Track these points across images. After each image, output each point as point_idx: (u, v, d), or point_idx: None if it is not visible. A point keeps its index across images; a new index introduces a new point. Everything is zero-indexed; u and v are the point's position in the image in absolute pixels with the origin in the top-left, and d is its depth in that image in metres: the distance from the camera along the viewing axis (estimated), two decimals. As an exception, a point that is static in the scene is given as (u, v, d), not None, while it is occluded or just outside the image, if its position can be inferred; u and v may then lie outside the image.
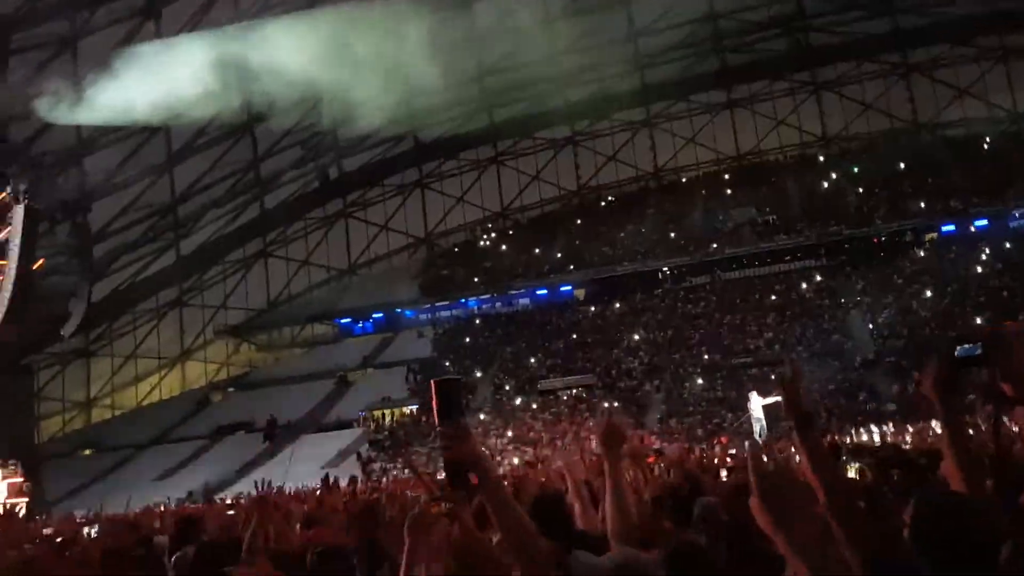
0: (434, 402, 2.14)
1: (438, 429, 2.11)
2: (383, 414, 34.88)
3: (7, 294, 28.54)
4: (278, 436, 33.91)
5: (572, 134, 48.63)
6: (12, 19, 33.66)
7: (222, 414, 37.11)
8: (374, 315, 44.68)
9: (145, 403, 39.50)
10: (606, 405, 31.99)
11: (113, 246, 38.95)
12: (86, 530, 9.59)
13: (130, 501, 23.08)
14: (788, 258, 38.93)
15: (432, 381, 2.12)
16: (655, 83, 44.98)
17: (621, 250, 42.14)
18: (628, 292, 39.77)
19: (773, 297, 36.98)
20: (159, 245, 40.62)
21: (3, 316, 28.59)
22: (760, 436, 21.05)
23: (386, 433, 33.02)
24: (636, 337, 36.72)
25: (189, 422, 37.10)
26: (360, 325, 44.77)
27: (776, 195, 42.62)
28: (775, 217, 41.22)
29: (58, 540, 7.13)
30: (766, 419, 21.73)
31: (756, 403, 22.52)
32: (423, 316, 43.97)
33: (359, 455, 30.51)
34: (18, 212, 29.08)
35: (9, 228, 29.15)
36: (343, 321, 45.21)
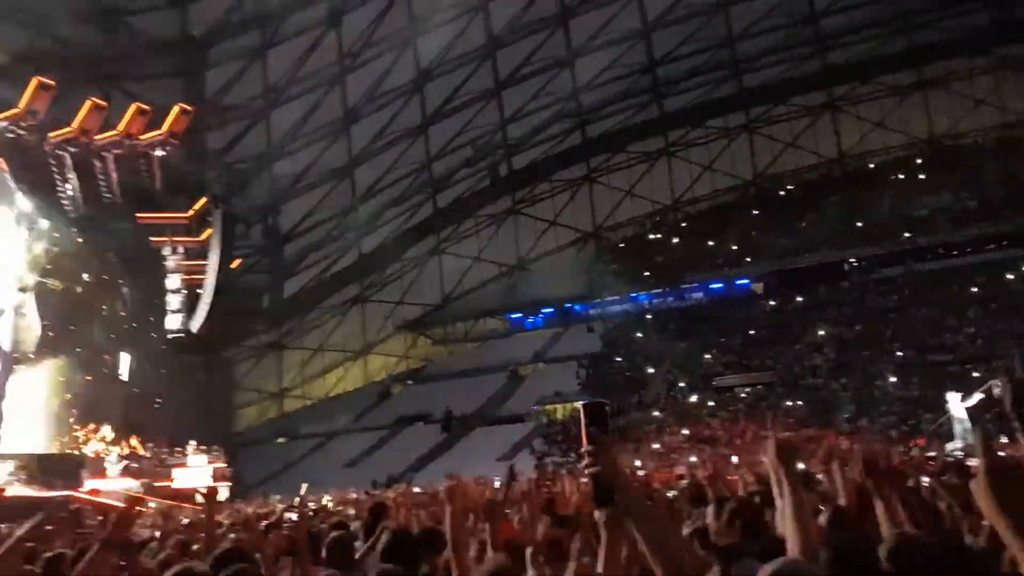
0: (582, 424, 2.01)
1: (583, 449, 1.97)
2: (555, 408, 34.91)
3: (209, 292, 30.58)
4: (454, 428, 34.67)
5: (747, 120, 46.80)
6: (209, 37, 36.15)
7: (402, 405, 38.39)
8: (544, 310, 44.90)
9: (332, 394, 41.47)
10: (789, 404, 30.58)
11: (301, 246, 41.11)
12: (287, 514, 9.95)
13: (313, 488, 24.27)
14: (991, 247, 35.69)
15: (580, 404, 2.11)
16: (838, 64, 42.51)
17: (802, 241, 40.17)
18: (810, 285, 37.80)
19: (974, 289, 34.04)
20: (342, 244, 42.46)
21: (206, 312, 30.68)
22: (964, 439, 19.39)
23: (558, 428, 32.99)
24: (820, 333, 34.83)
25: (372, 413, 38.63)
26: (531, 320, 45.12)
27: (974, 179, 39.30)
28: (974, 203, 38.01)
29: (263, 523, 7.30)
30: (970, 420, 20.05)
31: (956, 403, 20.86)
32: (593, 311, 43.75)
33: (532, 449, 30.65)
34: (217, 216, 31.03)
35: (210, 231, 31.18)
36: (514, 316, 45.71)
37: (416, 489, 18.59)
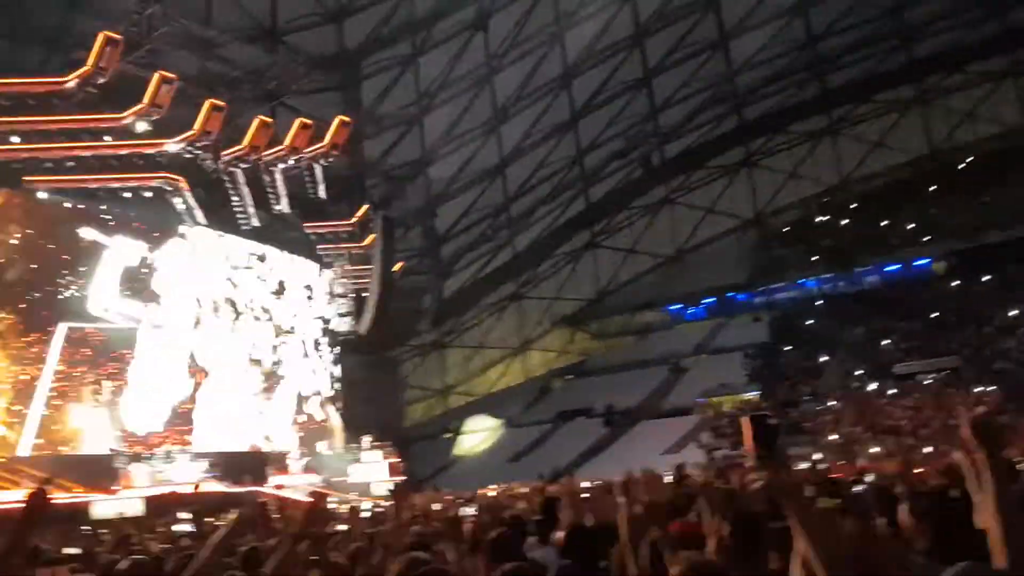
0: (748, 438, 2.03)
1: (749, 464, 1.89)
2: (721, 401, 33.91)
3: (375, 294, 31.68)
4: (616, 422, 34.32)
5: (921, 91, 43.61)
6: (362, 49, 37.44)
7: (563, 400, 38.40)
8: (704, 300, 43.75)
9: (494, 390, 42.05)
10: (979, 390, 28.30)
11: (457, 246, 41.92)
12: (464, 509, 9.96)
13: (480, 482, 24.63)
14: None
15: (745, 417, 2.14)
16: (1018, 27, 38.94)
17: (986, 217, 37.12)
18: (999, 264, 34.83)
19: None
20: (496, 243, 42.96)
21: (373, 315, 31.79)
22: None
23: (726, 420, 31.98)
24: (1011, 314, 32.06)
25: (534, 408, 38.89)
26: (691, 311, 44.07)
27: None
28: None
29: (444, 517, 7.26)
30: None
31: None
32: (757, 299, 42.21)
33: (700, 442, 29.86)
34: (378, 221, 32.08)
35: (372, 236, 32.28)
36: (673, 308, 44.79)
37: (585, 483, 18.38)
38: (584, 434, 34.22)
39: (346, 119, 30.40)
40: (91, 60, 23.38)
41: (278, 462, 27.80)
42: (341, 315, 33.27)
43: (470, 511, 9.88)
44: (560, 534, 4.97)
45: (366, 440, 29.53)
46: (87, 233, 25.58)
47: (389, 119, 39.05)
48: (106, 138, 25.08)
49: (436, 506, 11.63)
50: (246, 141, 27.26)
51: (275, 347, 30.89)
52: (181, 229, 28.50)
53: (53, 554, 7.35)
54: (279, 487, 25.30)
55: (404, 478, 27.97)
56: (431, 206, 40.85)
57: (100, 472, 22.22)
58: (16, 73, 23.88)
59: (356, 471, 28.44)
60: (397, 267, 33.93)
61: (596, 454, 32.19)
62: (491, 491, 22.03)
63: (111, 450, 23.39)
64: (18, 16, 27.15)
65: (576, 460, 31.36)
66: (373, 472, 28.32)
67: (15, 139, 23.86)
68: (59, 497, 19.54)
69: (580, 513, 6.06)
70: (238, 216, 29.33)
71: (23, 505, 2.91)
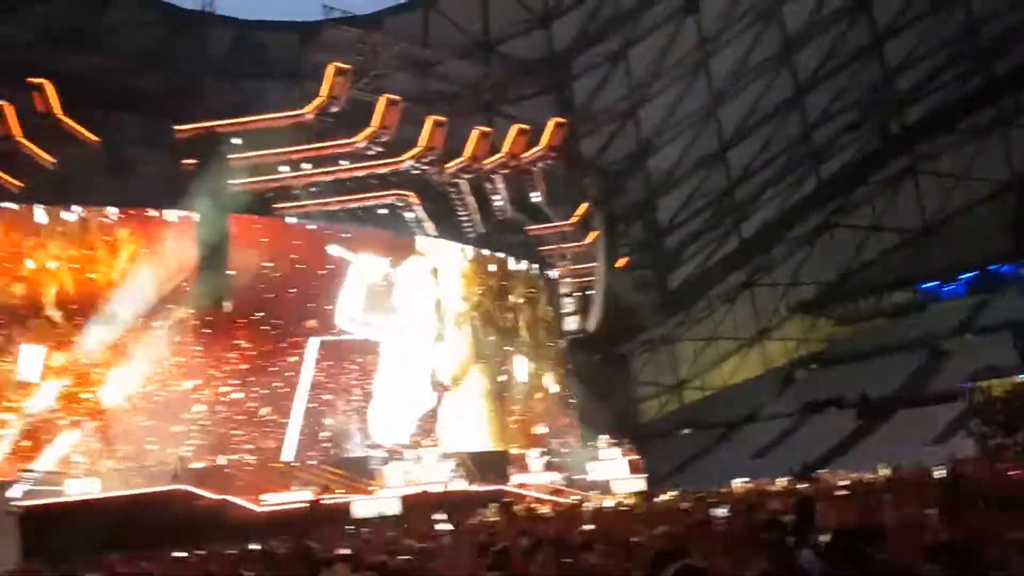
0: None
1: None
2: (989, 385, 30.56)
3: (600, 292, 31.69)
4: (871, 412, 31.97)
5: None
6: (571, 49, 37.66)
7: (808, 390, 36.31)
8: (962, 276, 39.81)
9: (731, 383, 40.58)
10: None
11: (681, 237, 40.99)
12: (714, 511, 9.50)
13: (723, 478, 23.76)
14: None
15: None
16: None
17: None
18: None
19: None
20: (721, 231, 41.55)
21: (599, 312, 31.82)
22: None
23: (998, 406, 28.77)
24: None
25: (775, 400, 37.09)
26: (947, 288, 40.26)
27: None
28: None
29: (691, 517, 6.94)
30: None
31: None
32: (1025, 271, 37.84)
33: (970, 431, 27.09)
34: (598, 219, 32.09)
35: (594, 234, 32.32)
36: (926, 286, 41.13)
37: (842, 480, 17.22)
38: (834, 426, 32.13)
39: (560, 120, 30.66)
40: (324, 90, 25.11)
41: (519, 461, 28.45)
42: (568, 314, 33.53)
43: (720, 512, 9.41)
44: (822, 537, 4.56)
45: (603, 438, 29.51)
46: (334, 251, 27.62)
47: (603, 115, 38.97)
48: (342, 162, 26.82)
49: (684, 506, 11.24)
50: (467, 152, 28.17)
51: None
52: (416, 243, 30.07)
53: (324, 554, 7.74)
54: (521, 485, 25.87)
55: (645, 476, 27.67)
56: (651, 198, 40.26)
57: (357, 474, 23.78)
58: (260, 110, 26.10)
59: (595, 469, 28.50)
60: (621, 262, 33.72)
61: (849, 447, 30.13)
62: (737, 488, 21.23)
63: (366, 453, 24.97)
64: (259, 55, 29.80)
65: (826, 454, 29.52)
66: (612, 470, 28.26)
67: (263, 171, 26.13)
68: (324, 498, 21.07)
69: (842, 513, 5.53)
70: (464, 225, 30.39)
71: (306, 507, 2.97)
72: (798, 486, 17.11)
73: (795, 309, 42.94)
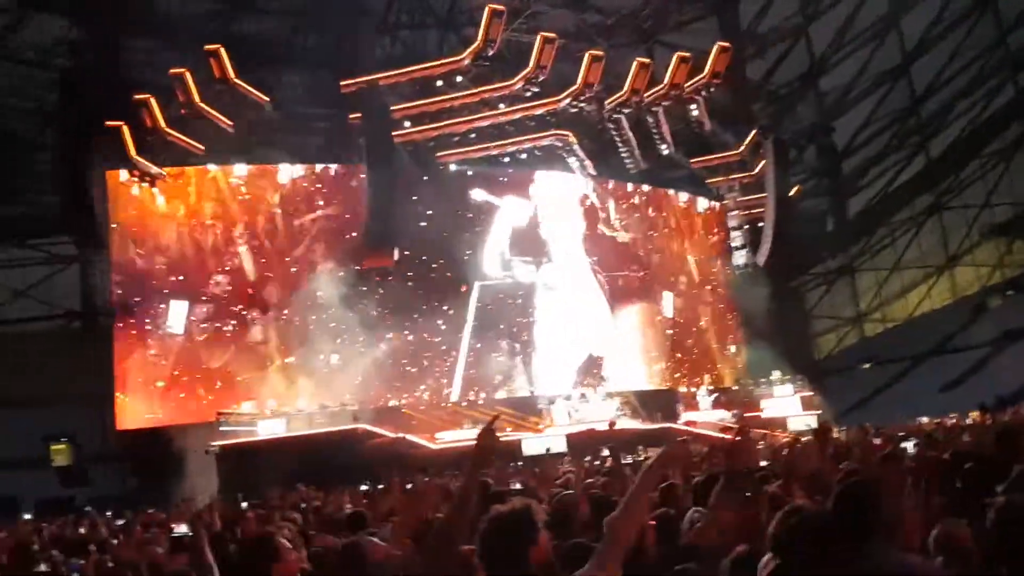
0: None
1: None
2: None
3: (771, 223, 30.49)
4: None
5: None
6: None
7: (1004, 318, 33.55)
8: None
9: (916, 314, 38.17)
10: None
11: (859, 161, 38.54)
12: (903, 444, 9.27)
13: (909, 414, 22.56)
14: None
15: None
16: None
17: None
18: None
19: None
20: (905, 152, 38.68)
21: (770, 244, 30.66)
22: None
23: None
24: None
25: (966, 331, 34.56)
26: None
27: None
28: None
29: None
30: None
31: None
32: None
33: None
34: (768, 146, 30.72)
35: (763, 162, 31.00)
36: None
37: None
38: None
39: (725, 45, 29.40)
40: (480, 35, 25.23)
41: (688, 399, 28.24)
42: (737, 248, 32.55)
43: (908, 446, 9.05)
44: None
45: (776, 374, 28.72)
46: (481, 195, 28.19)
47: (771, 35, 36.88)
48: (500, 106, 26.98)
49: (878, 441, 10.82)
50: (627, 86, 27.61)
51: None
52: (571, 182, 30.06)
53: (500, 488, 8.05)
54: (690, 423, 25.72)
55: (819, 412, 26.74)
56: (826, 121, 37.92)
57: (525, 412, 24.45)
58: (419, 59, 26.61)
59: (769, 406, 27.87)
60: (793, 191, 32.28)
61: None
62: (927, 425, 20.14)
63: (532, 391, 25.58)
64: (415, 5, 30.23)
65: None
66: (786, 406, 27.53)
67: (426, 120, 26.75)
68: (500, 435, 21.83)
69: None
70: (626, 162, 29.94)
71: (477, 442, 3.14)
72: (994, 420, 16.05)
73: (988, 233, 39.45)
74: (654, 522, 4.16)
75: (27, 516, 17.47)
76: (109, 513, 14.46)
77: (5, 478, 23.70)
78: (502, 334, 27.62)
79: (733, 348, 33.54)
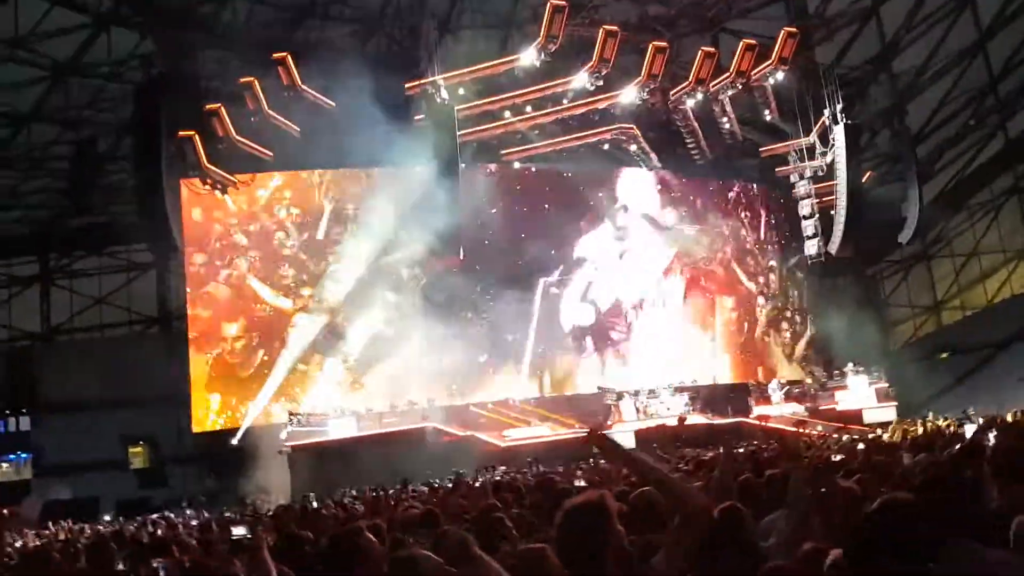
0: None
1: None
2: None
3: (843, 210, 29.74)
4: None
5: None
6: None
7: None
8: None
9: (996, 300, 36.78)
10: None
11: (935, 144, 37.28)
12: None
13: (990, 406, 21.73)
14: None
15: None
16: None
17: None
18: None
19: None
20: (983, 133, 37.28)
21: (844, 232, 29.93)
22: None
23: None
24: None
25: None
26: None
27: None
28: None
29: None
30: None
31: None
32: None
33: None
34: (838, 132, 30.00)
35: (834, 148, 30.26)
36: None
37: None
38: None
39: (792, 30, 28.74)
40: (543, 31, 25.15)
41: (759, 392, 27.76)
42: (809, 237, 31.82)
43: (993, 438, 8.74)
44: None
45: (850, 366, 28.00)
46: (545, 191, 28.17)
47: (840, 18, 35.87)
48: (563, 101, 26.88)
49: (948, 431, 10.50)
50: (691, 76, 27.23)
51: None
52: (639, 176, 29.83)
53: (565, 484, 8.03)
54: (762, 418, 25.27)
55: (895, 404, 26.02)
56: (899, 104, 36.77)
57: (594, 410, 24.36)
58: (482, 58, 26.65)
59: (843, 398, 27.19)
60: (865, 177, 31.44)
61: None
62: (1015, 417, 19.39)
63: (599, 388, 25.44)
64: (477, 4, 30.31)
65: None
66: (862, 398, 26.82)
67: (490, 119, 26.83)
68: (562, 433, 21.82)
69: None
70: (692, 152, 29.56)
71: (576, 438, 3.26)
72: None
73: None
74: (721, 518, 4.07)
75: (107, 516, 18.13)
76: (189, 511, 14.92)
77: (88, 479, 24.67)
78: (568, 331, 27.57)
79: (805, 339, 32.81)
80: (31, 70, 25.60)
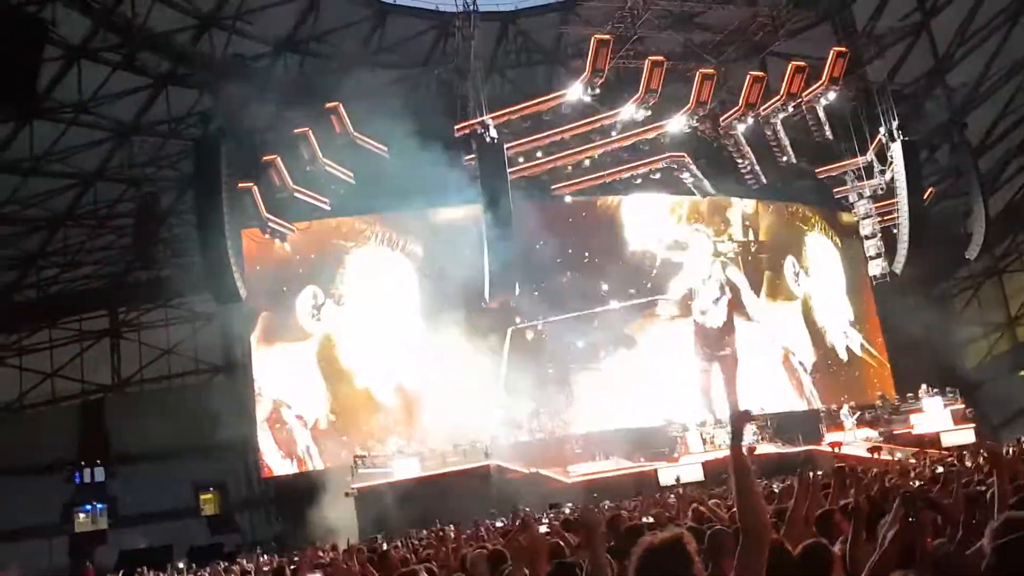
0: None
1: None
2: None
3: (905, 229, 29.06)
4: None
5: None
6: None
7: None
8: None
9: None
10: None
11: (998, 156, 36.24)
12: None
13: None
14: None
15: None
16: None
17: None
18: None
19: None
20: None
21: (907, 250, 29.22)
22: None
23: None
24: None
25: None
26: None
27: None
28: None
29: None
30: None
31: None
32: None
33: None
34: (896, 149, 29.48)
35: (892, 167, 29.70)
36: None
37: None
38: None
39: (841, 49, 28.44)
40: (588, 65, 25.28)
41: (831, 419, 27.04)
42: (872, 257, 31.11)
43: None
44: None
45: (924, 387, 27.11)
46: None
47: (891, 34, 35.27)
48: (612, 133, 26.89)
49: None
50: (741, 101, 27.06)
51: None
52: (696, 205, 29.59)
53: (632, 521, 7.84)
54: (835, 444, 24.51)
55: (973, 426, 25.04)
56: (957, 117, 35.90)
57: (659, 442, 23.94)
58: (528, 95, 26.85)
59: (918, 422, 26.30)
60: (927, 194, 30.68)
61: None
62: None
63: (664, 421, 25.03)
64: (522, 43, 30.59)
65: None
66: (938, 422, 25.89)
67: (539, 155, 26.93)
68: (625, 467, 21.45)
69: None
70: (746, 177, 29.25)
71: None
72: None
73: None
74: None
75: (180, 564, 18.35)
76: (264, 557, 15.01)
77: (162, 527, 25.05)
78: (631, 363, 27.27)
79: (877, 363, 31.95)
80: (95, 132, 26.50)
